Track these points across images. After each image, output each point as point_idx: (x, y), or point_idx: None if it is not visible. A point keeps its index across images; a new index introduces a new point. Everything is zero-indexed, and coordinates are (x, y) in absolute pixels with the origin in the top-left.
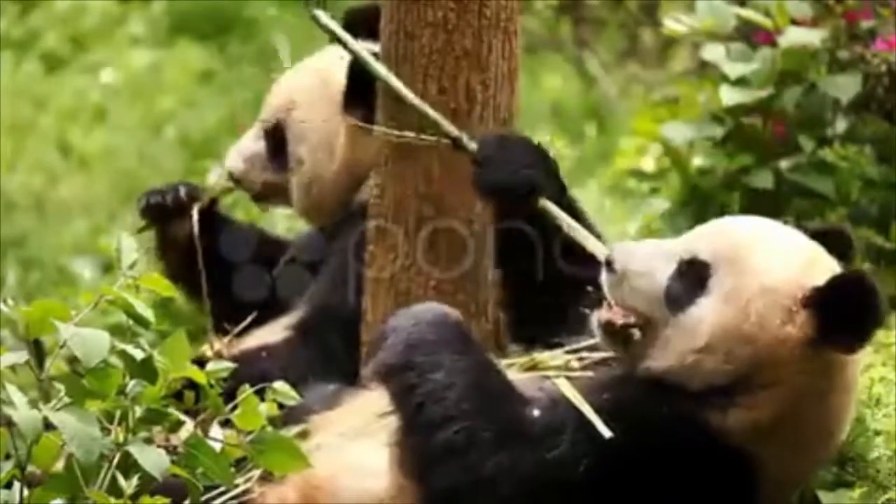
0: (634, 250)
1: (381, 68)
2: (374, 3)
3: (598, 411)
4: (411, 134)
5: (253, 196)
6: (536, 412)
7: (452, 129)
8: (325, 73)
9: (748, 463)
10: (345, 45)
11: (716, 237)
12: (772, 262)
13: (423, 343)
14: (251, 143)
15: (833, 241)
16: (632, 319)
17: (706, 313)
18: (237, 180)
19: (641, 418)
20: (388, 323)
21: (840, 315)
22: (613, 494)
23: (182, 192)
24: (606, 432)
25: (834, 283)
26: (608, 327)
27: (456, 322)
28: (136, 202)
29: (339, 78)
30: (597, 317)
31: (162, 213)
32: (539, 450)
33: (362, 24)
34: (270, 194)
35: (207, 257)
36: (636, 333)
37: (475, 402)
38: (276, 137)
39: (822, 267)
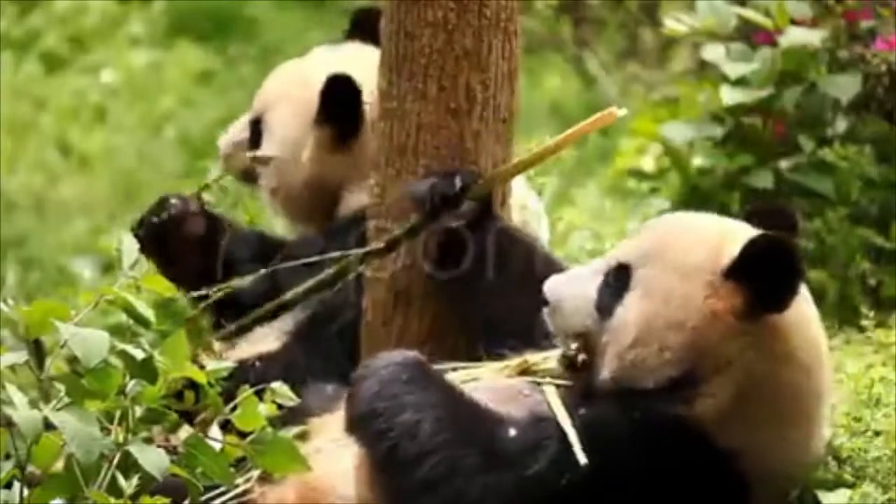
0: (564, 277)
1: None
2: (377, 5)
3: (578, 427)
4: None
5: (237, 177)
6: (513, 431)
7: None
8: (306, 78)
9: (734, 461)
10: None
11: (634, 239)
12: (684, 245)
13: (385, 388)
14: (240, 129)
15: (777, 220)
16: (574, 345)
17: (630, 310)
18: (225, 158)
19: (619, 428)
20: (355, 377)
21: (761, 275)
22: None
23: (174, 207)
24: (582, 458)
25: (747, 248)
26: (564, 361)
27: (416, 361)
28: (135, 232)
29: (318, 86)
30: (558, 355)
31: (162, 238)
32: (519, 468)
33: (368, 25)
34: (252, 179)
35: (209, 261)
36: (580, 357)
37: (448, 432)
38: (256, 132)
39: (738, 239)
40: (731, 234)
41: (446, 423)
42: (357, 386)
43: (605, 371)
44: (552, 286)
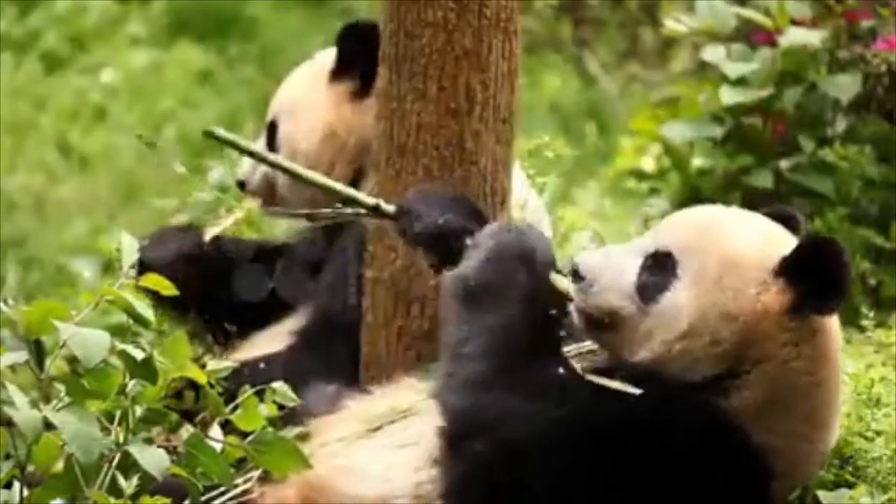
0: (600, 254)
1: (282, 161)
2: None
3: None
4: (328, 211)
5: (263, 203)
6: (560, 370)
7: (368, 199)
8: (321, 62)
9: (765, 457)
10: (246, 152)
11: (675, 227)
12: (733, 239)
13: (498, 275)
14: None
15: (782, 224)
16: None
17: (681, 298)
18: (247, 188)
19: (658, 413)
20: (480, 235)
21: (814, 277)
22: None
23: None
24: (634, 389)
25: (803, 248)
26: (585, 315)
27: (532, 262)
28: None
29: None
30: (575, 307)
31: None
32: (554, 405)
33: (359, 41)
34: (272, 193)
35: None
36: (606, 318)
37: (514, 347)
38: (272, 130)
39: (783, 239)
40: (777, 234)
41: (519, 340)
42: (479, 246)
43: (645, 354)
44: (586, 262)
